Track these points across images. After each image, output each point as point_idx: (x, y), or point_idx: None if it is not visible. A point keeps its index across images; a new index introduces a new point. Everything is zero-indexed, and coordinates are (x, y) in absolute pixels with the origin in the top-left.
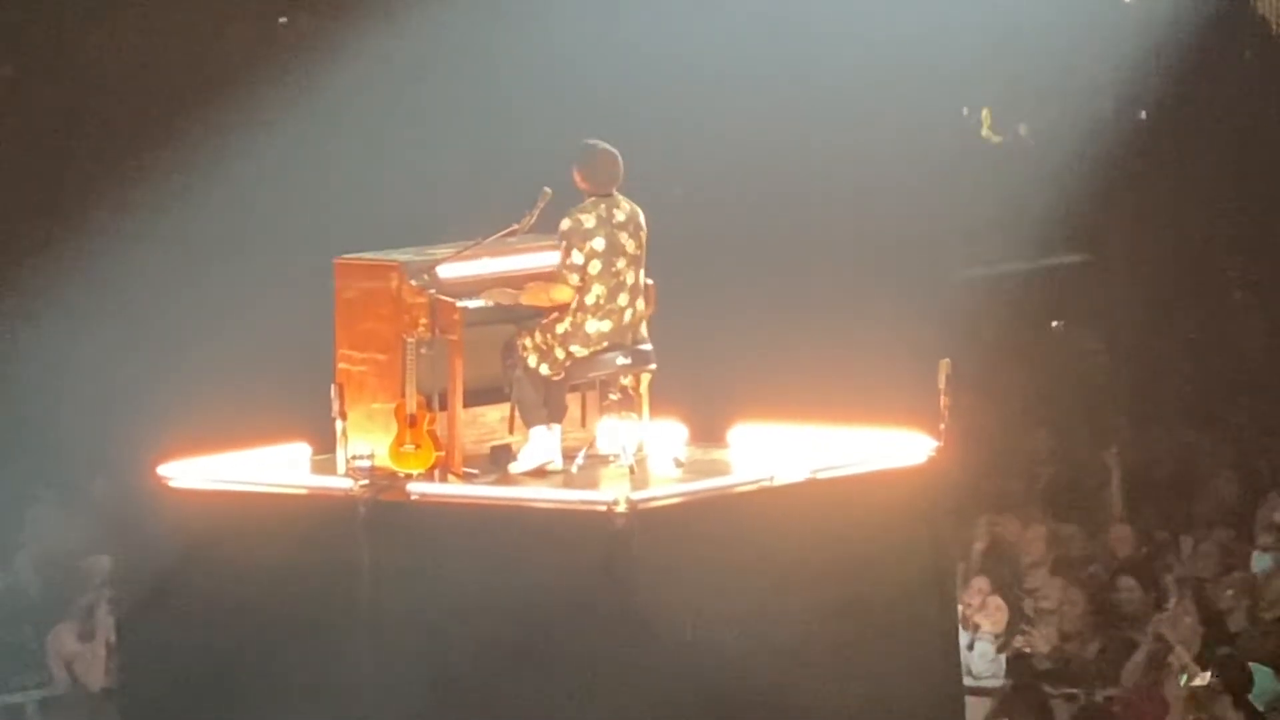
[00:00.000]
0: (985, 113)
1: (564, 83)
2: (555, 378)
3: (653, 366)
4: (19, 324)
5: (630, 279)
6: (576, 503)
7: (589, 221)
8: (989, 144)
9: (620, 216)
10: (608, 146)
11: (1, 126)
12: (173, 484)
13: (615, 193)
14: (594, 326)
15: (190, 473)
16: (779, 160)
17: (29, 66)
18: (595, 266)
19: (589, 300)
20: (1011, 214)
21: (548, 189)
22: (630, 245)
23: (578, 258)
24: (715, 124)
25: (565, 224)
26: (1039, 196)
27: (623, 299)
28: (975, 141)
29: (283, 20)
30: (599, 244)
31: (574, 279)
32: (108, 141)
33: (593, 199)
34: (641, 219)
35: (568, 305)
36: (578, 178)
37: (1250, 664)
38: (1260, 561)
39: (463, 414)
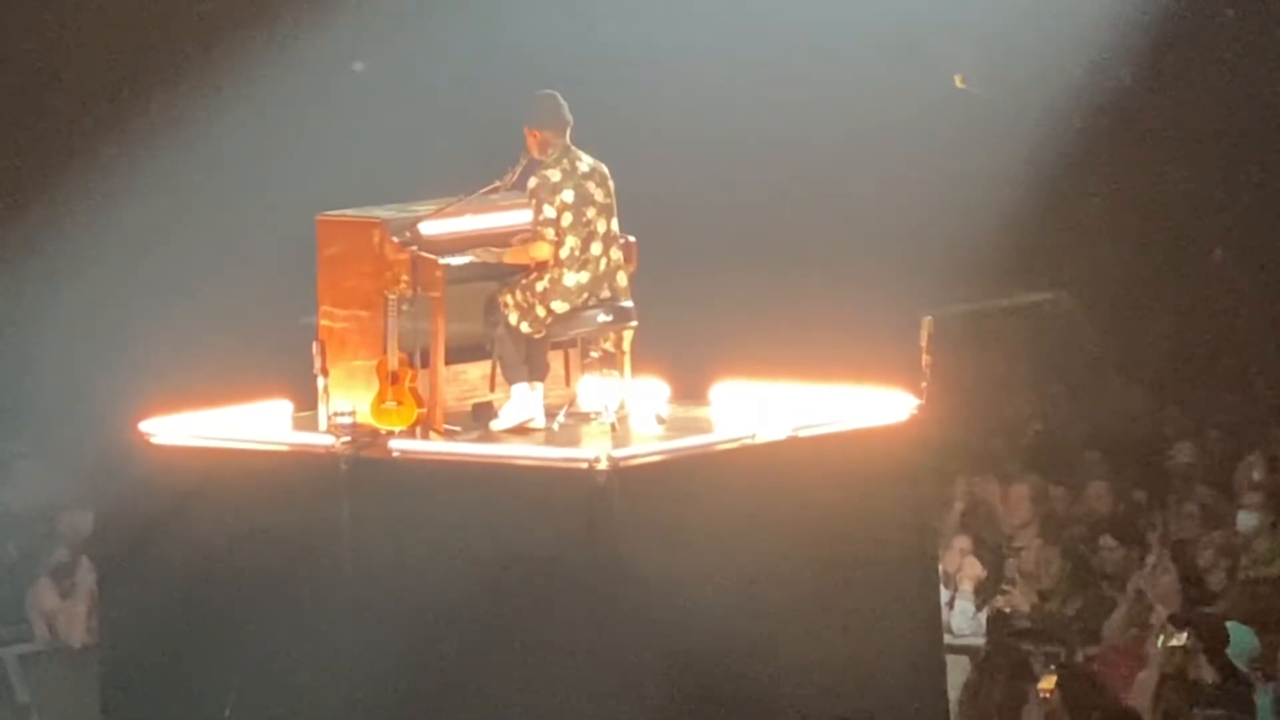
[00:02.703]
0: (959, 78)
1: (549, 40)
2: (537, 335)
3: (634, 323)
4: None
5: (602, 228)
6: (558, 460)
7: (555, 176)
8: (970, 106)
9: (584, 168)
10: (542, 91)
11: None
12: (154, 440)
13: (574, 147)
14: (572, 279)
15: (172, 429)
16: (760, 119)
17: (4, 21)
18: (567, 219)
19: (563, 253)
20: (991, 175)
21: None
22: (599, 194)
23: (549, 212)
24: (697, 85)
25: (532, 182)
26: (1019, 157)
27: (596, 248)
28: (956, 102)
29: None
30: (568, 196)
31: (549, 233)
32: (87, 97)
33: (554, 155)
34: (605, 171)
35: (546, 262)
36: (533, 137)
37: (1229, 622)
38: (1246, 520)
39: (444, 371)
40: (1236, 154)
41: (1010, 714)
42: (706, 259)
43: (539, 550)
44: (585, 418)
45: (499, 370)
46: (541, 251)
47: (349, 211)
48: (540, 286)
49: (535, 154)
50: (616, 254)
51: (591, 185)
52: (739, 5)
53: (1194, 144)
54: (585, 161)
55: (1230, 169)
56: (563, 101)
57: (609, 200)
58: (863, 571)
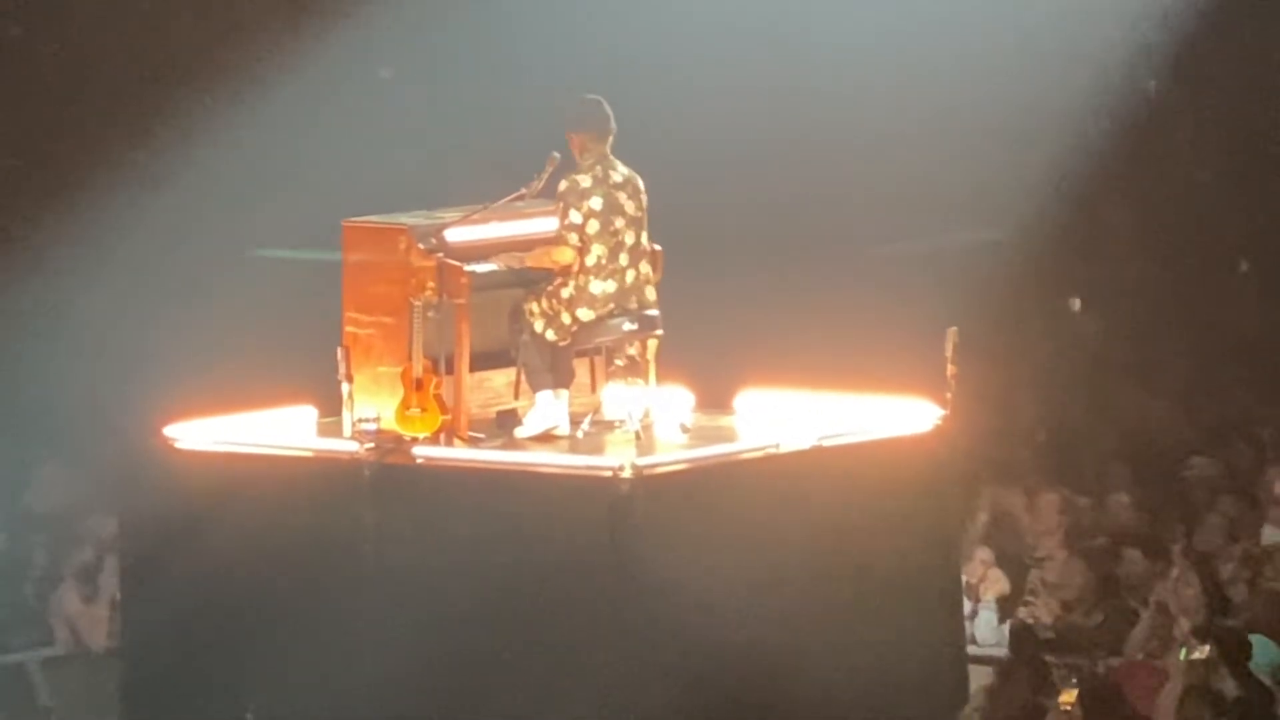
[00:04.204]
0: None
1: (574, 46)
2: (562, 343)
3: (659, 332)
4: (24, 283)
5: (630, 240)
6: (582, 468)
7: (585, 182)
8: (995, 114)
9: (617, 178)
10: (588, 96)
11: (7, 84)
12: (179, 445)
13: (612, 156)
14: (599, 287)
15: (196, 434)
16: (787, 125)
17: (35, 25)
18: (594, 226)
19: (589, 261)
20: (1017, 183)
21: (555, 154)
22: (630, 207)
23: (575, 217)
24: (722, 87)
25: (562, 185)
26: (1043, 166)
27: (624, 259)
28: (981, 109)
29: None
30: (596, 203)
31: (573, 238)
32: (112, 99)
33: (589, 161)
34: (640, 183)
35: (570, 268)
36: (575, 140)
37: (1251, 634)
38: (1272, 534)
39: (469, 378)
40: (1263, 164)
41: None
42: (732, 268)
43: (562, 558)
44: (609, 426)
45: (524, 378)
46: (564, 256)
47: (375, 218)
48: (566, 293)
49: (577, 158)
50: (645, 268)
51: (623, 196)
52: (768, 8)
53: (1219, 154)
54: (620, 172)
55: (1256, 179)
56: (607, 109)
57: (640, 214)
58: (886, 582)
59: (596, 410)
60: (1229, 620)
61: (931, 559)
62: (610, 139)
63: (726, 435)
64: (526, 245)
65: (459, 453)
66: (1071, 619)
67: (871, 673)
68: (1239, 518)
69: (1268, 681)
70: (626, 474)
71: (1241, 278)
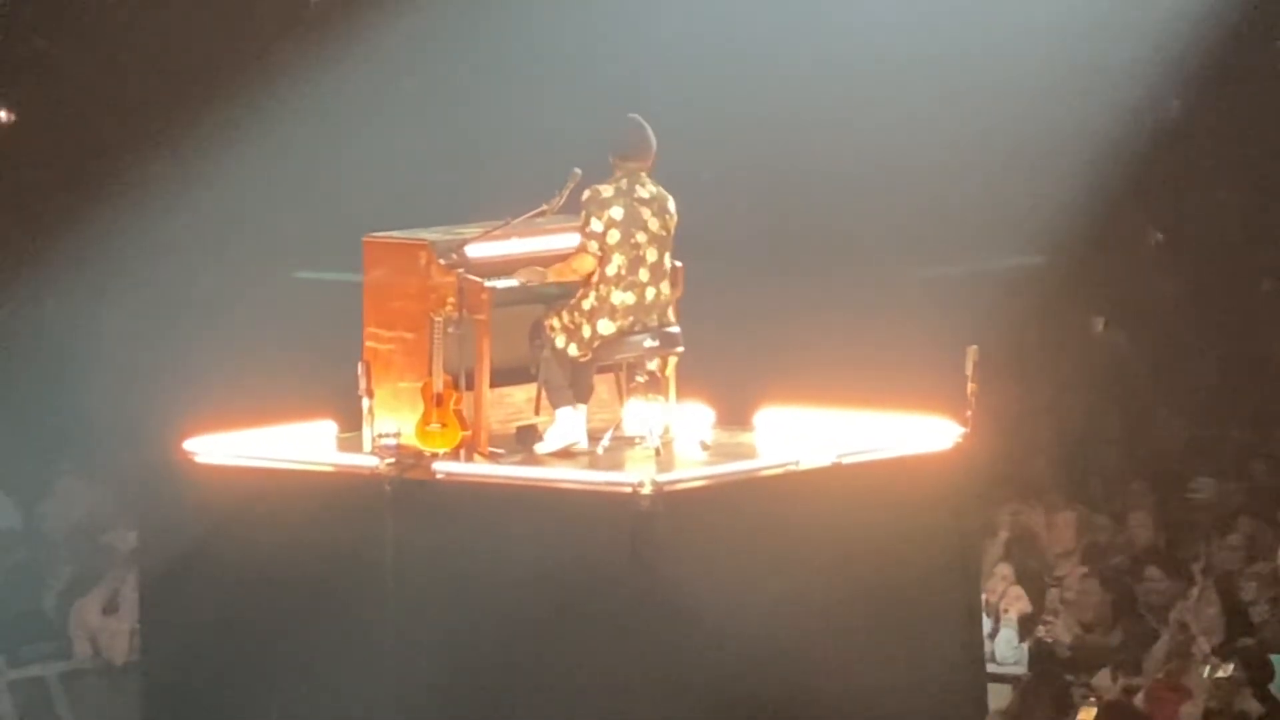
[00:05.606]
0: None
1: (596, 63)
2: (583, 358)
3: (680, 349)
4: (46, 297)
5: (652, 257)
6: (602, 484)
7: (606, 191)
8: (1020, 135)
9: (643, 193)
10: (630, 119)
11: (32, 99)
12: (199, 459)
13: (644, 175)
14: (619, 298)
15: (216, 448)
16: (808, 144)
17: (61, 40)
18: (614, 236)
19: (610, 271)
20: (1040, 202)
21: (577, 170)
22: (653, 223)
23: (596, 225)
24: (744, 107)
25: (585, 194)
26: (1068, 185)
27: (644, 274)
28: (1005, 128)
29: None
30: (616, 212)
31: (593, 246)
32: (136, 115)
33: (618, 176)
34: (670, 205)
35: (591, 277)
36: (612, 160)
37: (1272, 655)
38: None
39: (489, 394)
40: None
41: None
42: (752, 284)
43: (582, 574)
44: (629, 442)
45: (544, 393)
46: (585, 264)
47: (395, 233)
48: (587, 304)
49: (614, 168)
50: (665, 288)
51: (647, 212)
52: (800, 27)
53: (1243, 173)
54: (648, 189)
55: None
56: (646, 132)
57: (665, 233)
58: (906, 599)
59: (617, 426)
60: (1249, 640)
61: (951, 577)
62: (648, 161)
63: (746, 452)
64: (548, 261)
65: (479, 468)
66: (1091, 638)
67: (891, 690)
68: (1259, 537)
69: None
70: (646, 490)
71: (1264, 297)
